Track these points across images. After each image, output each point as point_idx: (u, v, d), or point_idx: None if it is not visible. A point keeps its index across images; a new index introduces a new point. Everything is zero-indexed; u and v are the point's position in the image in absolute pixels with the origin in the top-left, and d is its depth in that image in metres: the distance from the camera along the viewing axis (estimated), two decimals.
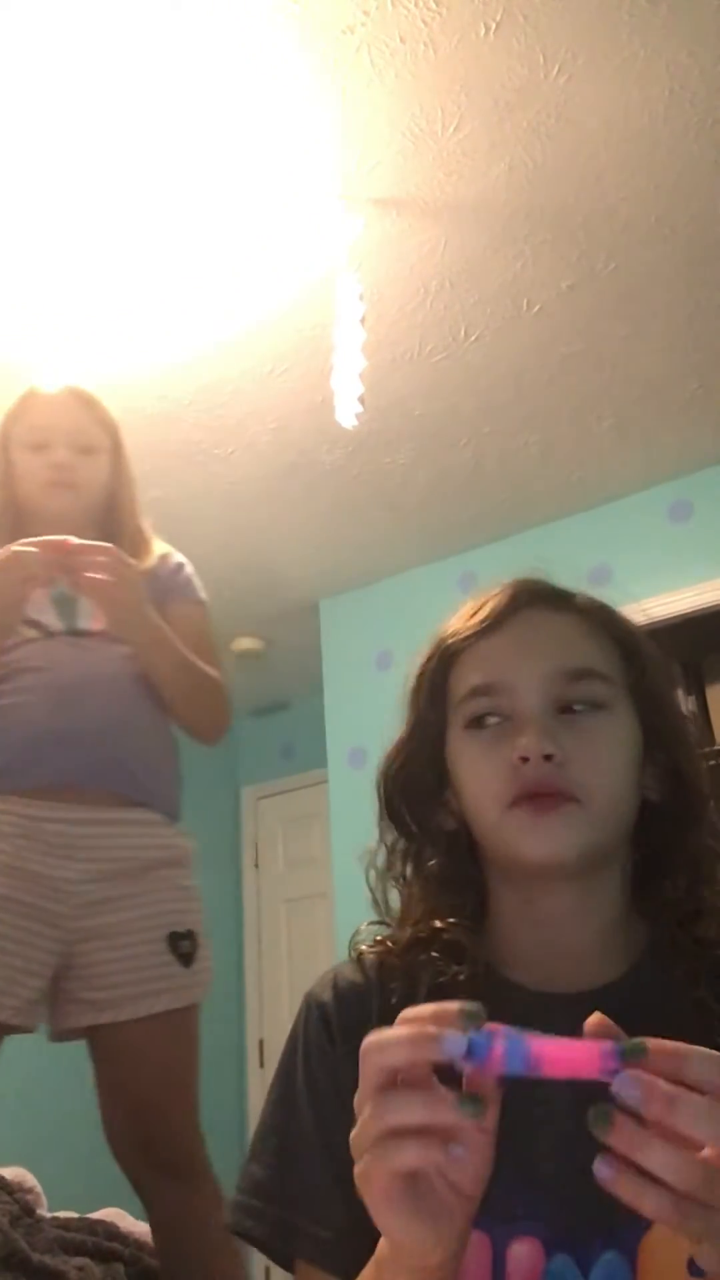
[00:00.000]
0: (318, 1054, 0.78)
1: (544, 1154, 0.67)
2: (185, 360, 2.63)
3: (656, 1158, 0.47)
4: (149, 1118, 1.48)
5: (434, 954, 0.77)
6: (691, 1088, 0.48)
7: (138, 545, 1.71)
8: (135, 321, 2.49)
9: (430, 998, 0.75)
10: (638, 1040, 0.49)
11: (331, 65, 1.86)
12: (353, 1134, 0.53)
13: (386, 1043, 0.52)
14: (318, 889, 4.29)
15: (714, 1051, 0.49)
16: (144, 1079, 1.49)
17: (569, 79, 1.91)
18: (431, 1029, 0.52)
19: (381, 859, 0.84)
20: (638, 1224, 0.63)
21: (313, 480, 3.18)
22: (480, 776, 0.76)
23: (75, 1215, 2.06)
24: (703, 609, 3.08)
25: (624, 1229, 0.63)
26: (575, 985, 0.73)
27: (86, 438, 1.68)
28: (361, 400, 2.20)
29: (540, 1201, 0.65)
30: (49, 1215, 1.99)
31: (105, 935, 1.47)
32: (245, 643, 4.21)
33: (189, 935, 1.54)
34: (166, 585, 1.71)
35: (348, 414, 2.22)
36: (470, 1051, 0.51)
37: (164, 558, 1.75)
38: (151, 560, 1.71)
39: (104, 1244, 1.80)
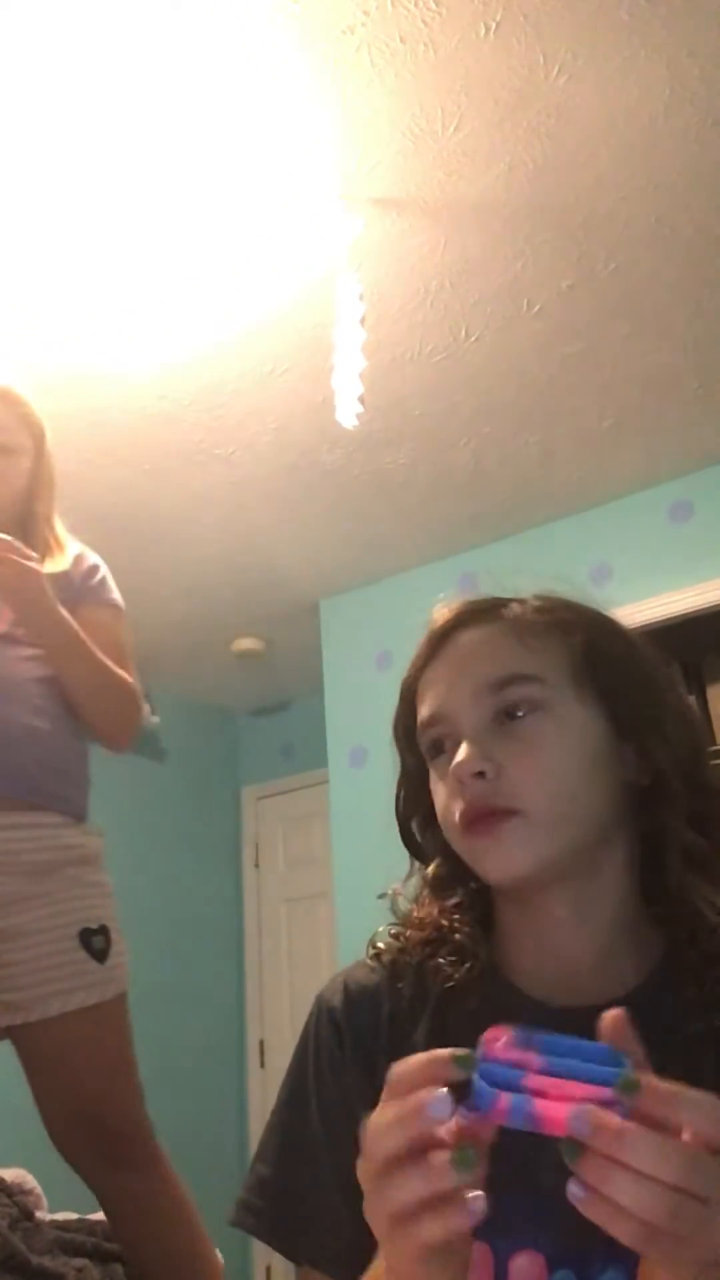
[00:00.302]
0: (327, 1058, 0.78)
1: (545, 1167, 0.66)
2: (185, 360, 2.63)
3: (619, 1190, 0.48)
4: (86, 1112, 1.48)
5: (444, 958, 0.78)
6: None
7: (50, 548, 1.69)
8: (135, 321, 2.48)
9: (438, 1004, 0.77)
10: (632, 1077, 0.50)
11: (331, 65, 1.86)
12: (365, 1207, 0.54)
13: (378, 1132, 0.53)
14: (318, 889, 4.29)
15: (708, 1096, 0.50)
16: (74, 1075, 1.49)
17: (569, 79, 1.90)
18: (417, 1099, 0.52)
19: (413, 889, 0.86)
20: None
21: (313, 480, 3.18)
22: (440, 803, 0.78)
23: (75, 1216, 2.06)
24: (703, 609, 3.08)
25: (625, 1246, 0.63)
26: (580, 999, 0.72)
27: (8, 436, 1.68)
28: (361, 400, 2.20)
29: (542, 1215, 0.65)
30: (48, 1217, 1.99)
31: (14, 936, 1.47)
32: (245, 643, 4.21)
33: (101, 930, 1.53)
34: (79, 588, 1.70)
35: (348, 414, 2.21)
36: (476, 1102, 0.51)
37: (77, 559, 1.74)
38: (64, 563, 1.69)
39: (103, 1245, 1.80)
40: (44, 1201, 2.10)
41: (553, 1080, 0.51)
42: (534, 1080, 0.52)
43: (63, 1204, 2.18)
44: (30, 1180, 2.03)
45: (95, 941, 1.51)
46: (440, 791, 0.78)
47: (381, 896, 0.87)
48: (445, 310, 2.51)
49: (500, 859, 0.73)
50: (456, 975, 0.76)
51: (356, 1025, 0.78)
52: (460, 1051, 0.53)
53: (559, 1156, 0.65)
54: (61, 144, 1.99)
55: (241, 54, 1.83)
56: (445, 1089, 0.52)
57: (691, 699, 3.26)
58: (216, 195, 2.14)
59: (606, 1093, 0.50)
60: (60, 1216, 2.05)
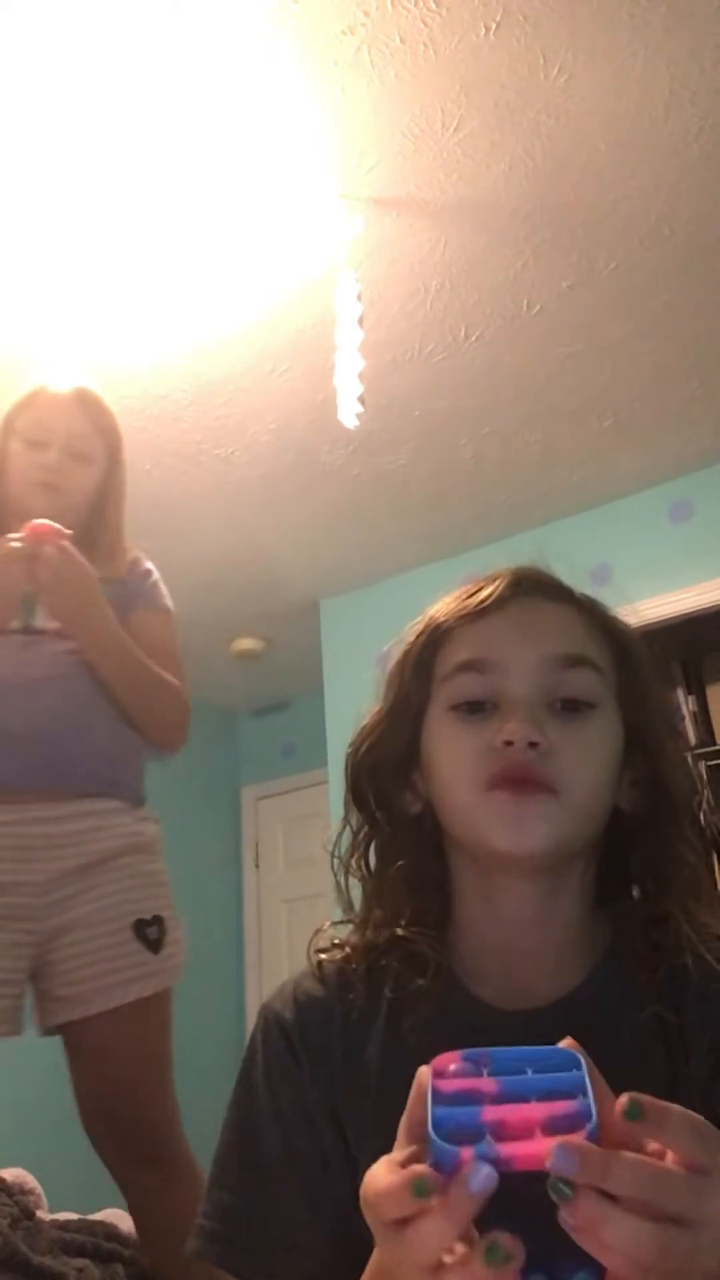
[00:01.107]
0: (280, 1073, 0.76)
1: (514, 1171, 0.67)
2: (186, 360, 2.63)
3: (613, 1231, 0.47)
4: (124, 1108, 1.48)
5: (398, 962, 0.75)
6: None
7: (113, 553, 1.69)
8: (136, 321, 2.49)
9: (390, 1011, 0.75)
10: (637, 1104, 0.48)
11: (332, 65, 1.86)
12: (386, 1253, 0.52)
13: (376, 1201, 0.51)
14: (318, 889, 4.29)
15: (691, 1114, 0.48)
16: (116, 1070, 1.49)
17: (569, 79, 1.90)
18: (400, 1180, 0.50)
19: (345, 844, 0.81)
20: None
21: (313, 480, 3.18)
22: (458, 757, 0.73)
23: (75, 1216, 2.06)
24: (703, 609, 3.08)
25: None
26: (533, 998, 0.72)
27: (84, 444, 1.67)
28: (361, 400, 2.20)
29: (514, 1220, 0.65)
30: (49, 1217, 1.99)
31: (71, 930, 1.47)
32: (245, 643, 4.21)
33: (156, 921, 1.52)
34: (133, 592, 1.70)
35: (349, 414, 2.21)
36: (438, 1164, 0.49)
37: (133, 563, 1.74)
38: (121, 569, 1.70)
39: (103, 1245, 1.80)
40: (44, 1201, 2.10)
41: (511, 1107, 0.50)
42: (491, 1112, 0.50)
43: (63, 1205, 2.18)
44: (30, 1180, 2.03)
45: (149, 932, 1.50)
46: (460, 745, 0.73)
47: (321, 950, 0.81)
48: (445, 310, 2.51)
49: (524, 828, 0.69)
50: (413, 984, 0.74)
51: (309, 1038, 0.76)
52: (419, 1176, 0.50)
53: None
54: (62, 143, 1.99)
55: (242, 54, 1.83)
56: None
57: (691, 699, 3.26)
58: (217, 195, 2.14)
59: (567, 1106, 0.49)
60: (61, 1217, 2.05)
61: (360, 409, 2.21)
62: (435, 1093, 0.52)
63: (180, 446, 2.96)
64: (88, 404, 1.70)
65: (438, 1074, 0.53)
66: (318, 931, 0.82)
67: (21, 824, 1.48)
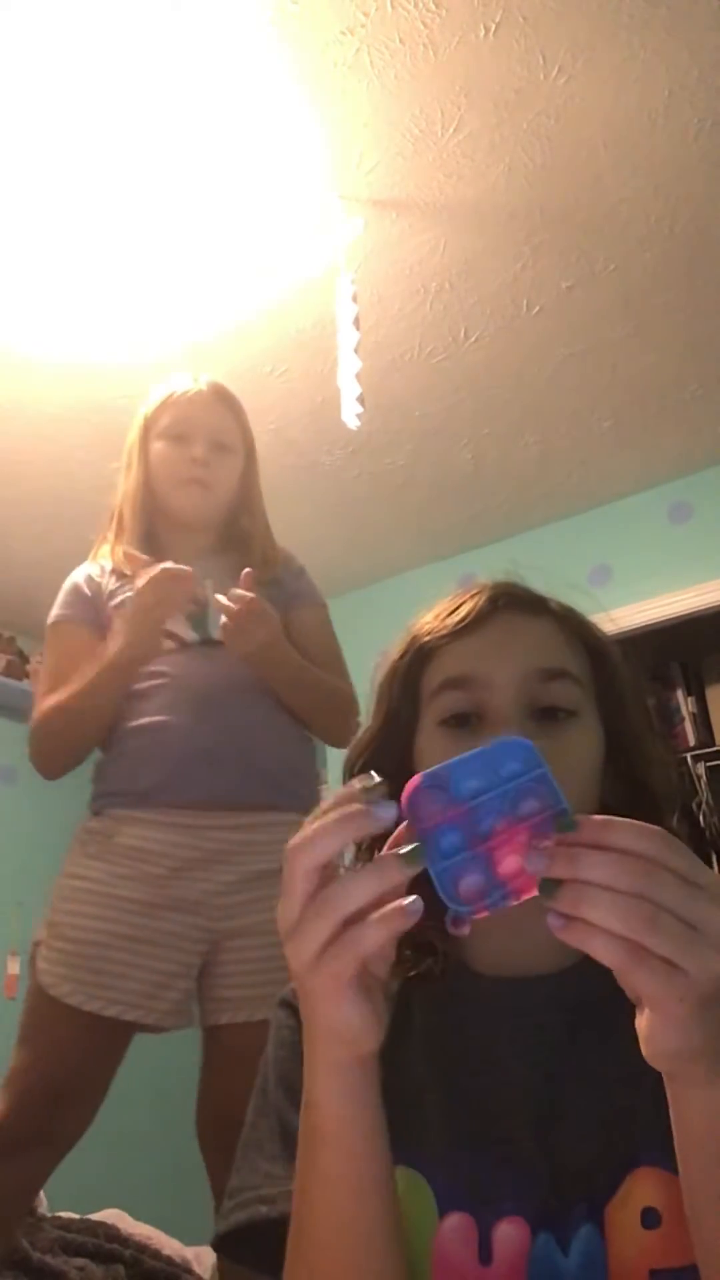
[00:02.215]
0: (289, 1051, 0.79)
1: (521, 1134, 0.68)
2: (186, 361, 2.63)
3: (591, 904, 0.50)
4: (236, 1112, 1.49)
5: (408, 951, 0.78)
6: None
7: (266, 553, 1.74)
8: (135, 321, 2.49)
9: (400, 993, 0.78)
10: (569, 818, 0.54)
11: (331, 66, 1.86)
12: (291, 947, 0.55)
13: (312, 838, 0.55)
14: None
15: (634, 821, 0.52)
16: (249, 1072, 1.50)
17: (569, 79, 1.91)
18: (353, 807, 0.55)
19: (350, 854, 0.85)
20: (606, 1195, 0.65)
21: (313, 481, 3.18)
22: None
23: (76, 1216, 2.06)
24: (703, 609, 3.08)
25: (597, 1199, 0.65)
26: (536, 970, 0.74)
27: (225, 436, 1.70)
28: (361, 401, 2.20)
29: (521, 1181, 0.66)
30: (50, 1215, 1.99)
31: (241, 936, 1.51)
32: None
33: None
34: (291, 591, 1.74)
35: (350, 415, 2.22)
36: (456, 915, 0.55)
37: (287, 561, 1.79)
38: (277, 568, 1.74)
39: (105, 1245, 1.80)
40: (44, 1200, 2.10)
41: (497, 834, 0.54)
42: (480, 845, 0.55)
43: (64, 1204, 2.18)
44: None
45: None
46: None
47: None
48: (445, 311, 2.51)
49: None
50: (420, 968, 0.77)
51: None
52: (368, 779, 0.56)
53: (531, 1123, 0.67)
54: (62, 143, 2.00)
55: (242, 55, 1.83)
56: (378, 780, 0.56)
57: (691, 699, 3.26)
58: (216, 196, 2.14)
59: (542, 818, 0.54)
60: (62, 1216, 2.05)
61: (360, 409, 2.21)
62: (417, 823, 0.56)
63: None
64: (224, 396, 1.74)
65: (411, 807, 0.57)
66: None
67: (208, 831, 1.52)
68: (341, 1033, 0.57)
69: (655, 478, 3.26)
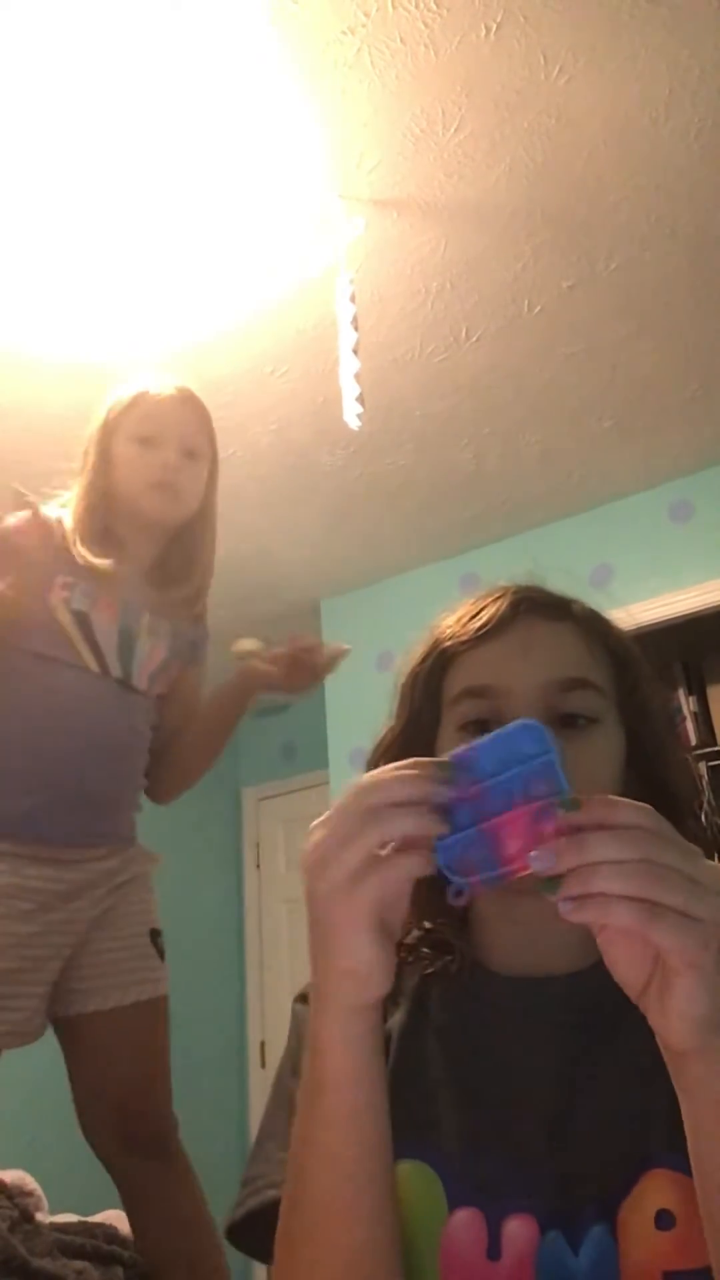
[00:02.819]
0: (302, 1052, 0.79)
1: (532, 1132, 0.68)
2: (186, 360, 2.62)
3: (602, 878, 0.52)
4: (134, 1102, 1.53)
5: (426, 949, 0.80)
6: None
7: (202, 591, 1.76)
8: (136, 321, 2.48)
9: (417, 993, 0.79)
10: (570, 798, 0.55)
11: (332, 66, 1.86)
12: (317, 876, 0.57)
13: (385, 781, 0.57)
14: None
15: (635, 802, 0.54)
16: (128, 1065, 1.54)
17: (569, 79, 1.90)
18: (429, 770, 0.58)
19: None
20: (618, 1194, 0.64)
21: (314, 481, 3.18)
22: None
23: (75, 1219, 2.06)
24: (703, 609, 3.08)
25: (609, 1200, 0.65)
26: (551, 970, 0.75)
27: (194, 441, 1.68)
28: (361, 401, 2.20)
29: (531, 1179, 0.67)
30: (48, 1219, 1.99)
31: (98, 929, 1.56)
32: (246, 643, 4.20)
33: (159, 932, 1.64)
34: (194, 642, 1.75)
35: (351, 415, 2.21)
36: (455, 889, 0.58)
37: (201, 613, 1.80)
38: (203, 610, 1.78)
39: (103, 1248, 1.80)
40: (44, 1203, 2.10)
41: (505, 813, 0.57)
42: (486, 823, 0.57)
43: (63, 1206, 2.17)
44: (30, 1182, 2.03)
45: (159, 941, 1.63)
46: None
47: None
48: (445, 311, 2.50)
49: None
50: (436, 966, 0.79)
51: None
52: (443, 759, 0.59)
53: (544, 1121, 0.68)
54: (62, 143, 1.99)
55: (242, 55, 1.83)
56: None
57: (692, 699, 3.26)
58: (217, 196, 2.14)
59: (542, 804, 0.55)
60: (60, 1219, 2.05)
61: (361, 409, 2.21)
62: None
63: None
64: (193, 402, 1.72)
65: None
66: None
67: (75, 865, 1.54)
68: (355, 969, 0.58)
69: (656, 477, 3.25)
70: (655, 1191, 0.64)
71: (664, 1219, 0.63)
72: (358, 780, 0.58)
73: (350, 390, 2.18)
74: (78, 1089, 1.55)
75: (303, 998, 0.83)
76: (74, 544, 1.56)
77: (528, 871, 0.54)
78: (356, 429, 2.25)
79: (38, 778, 1.52)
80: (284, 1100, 0.78)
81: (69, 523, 1.60)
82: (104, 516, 1.62)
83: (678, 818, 0.79)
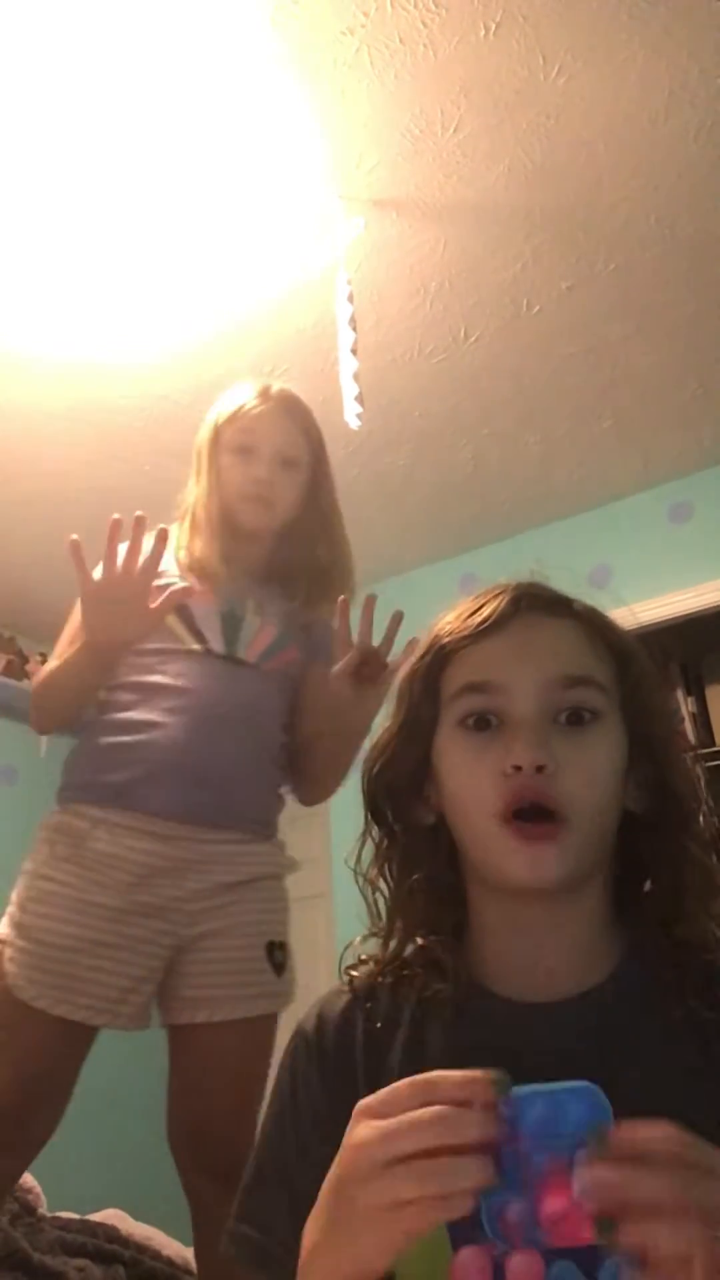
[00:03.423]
0: (304, 1086, 0.79)
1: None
2: (186, 360, 2.63)
3: (660, 1237, 0.50)
4: (216, 1122, 1.51)
5: (420, 968, 0.78)
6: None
7: (321, 596, 1.71)
8: (136, 321, 2.49)
9: (414, 1017, 0.77)
10: (602, 1132, 0.53)
11: (331, 66, 1.86)
12: (364, 1188, 0.55)
13: (452, 1119, 0.54)
14: (317, 889, 4.27)
15: (662, 1124, 0.52)
16: (222, 1081, 1.52)
17: (569, 79, 1.91)
18: (456, 1114, 0.54)
19: (367, 857, 0.84)
20: None
21: None
22: (470, 782, 0.75)
23: (76, 1216, 2.06)
24: (703, 609, 3.08)
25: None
26: (555, 994, 0.73)
27: (291, 449, 1.71)
28: (360, 400, 2.20)
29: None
30: (50, 1216, 1.99)
31: (209, 939, 1.52)
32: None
33: (282, 945, 1.59)
34: (320, 643, 1.72)
35: (351, 415, 2.21)
36: (485, 1224, 0.55)
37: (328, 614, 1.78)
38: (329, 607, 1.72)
39: (104, 1246, 1.80)
40: (43, 1200, 2.10)
41: (548, 1172, 0.54)
42: (531, 1179, 0.54)
43: (63, 1205, 2.18)
44: (29, 1179, 2.03)
45: (276, 955, 1.57)
46: (471, 768, 0.76)
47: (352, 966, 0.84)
48: (445, 311, 2.51)
49: (539, 865, 0.71)
50: (432, 989, 0.77)
51: (327, 1048, 0.79)
52: (496, 1075, 0.55)
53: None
54: (62, 143, 2.00)
55: (242, 55, 1.83)
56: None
57: (691, 699, 3.26)
58: (216, 196, 2.14)
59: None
60: (61, 1216, 2.05)
61: (360, 409, 2.21)
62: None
63: (181, 447, 2.93)
64: (292, 408, 1.74)
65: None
66: (348, 947, 0.85)
67: (177, 841, 1.52)
68: (362, 1274, 0.57)
69: (655, 477, 3.25)
70: None
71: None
72: (423, 1087, 0.56)
73: (349, 390, 2.18)
74: (171, 1096, 1.54)
75: (297, 1026, 0.83)
76: (176, 545, 1.65)
77: (572, 1241, 0.53)
78: (356, 429, 2.25)
79: (135, 751, 1.53)
80: (284, 1129, 0.78)
81: (178, 531, 1.69)
82: (215, 522, 1.68)
83: (681, 817, 0.78)
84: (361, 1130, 0.56)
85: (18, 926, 1.49)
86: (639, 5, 1.78)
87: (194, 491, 1.74)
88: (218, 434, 1.73)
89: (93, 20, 1.76)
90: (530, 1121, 0.55)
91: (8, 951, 1.48)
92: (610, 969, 0.75)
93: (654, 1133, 0.52)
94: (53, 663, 1.61)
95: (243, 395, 1.74)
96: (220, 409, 1.75)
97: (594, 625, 0.80)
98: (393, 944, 0.81)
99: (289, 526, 1.73)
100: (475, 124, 1.99)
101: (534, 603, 0.80)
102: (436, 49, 1.84)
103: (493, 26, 1.80)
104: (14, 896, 1.53)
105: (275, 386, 1.76)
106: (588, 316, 2.55)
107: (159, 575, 1.53)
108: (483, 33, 1.81)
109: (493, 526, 3.49)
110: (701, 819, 0.78)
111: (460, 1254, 0.65)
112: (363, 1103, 0.58)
